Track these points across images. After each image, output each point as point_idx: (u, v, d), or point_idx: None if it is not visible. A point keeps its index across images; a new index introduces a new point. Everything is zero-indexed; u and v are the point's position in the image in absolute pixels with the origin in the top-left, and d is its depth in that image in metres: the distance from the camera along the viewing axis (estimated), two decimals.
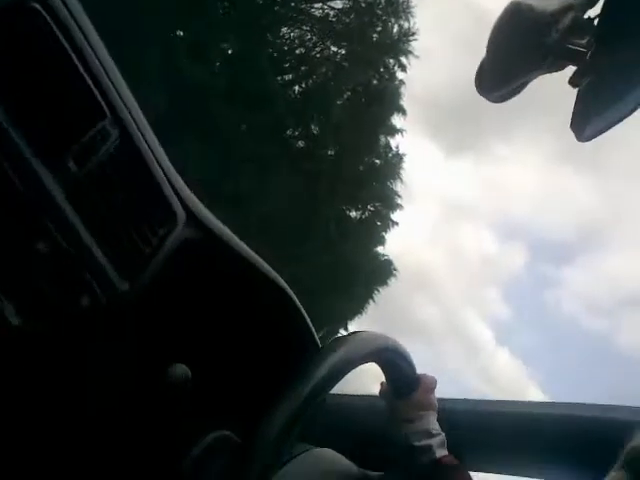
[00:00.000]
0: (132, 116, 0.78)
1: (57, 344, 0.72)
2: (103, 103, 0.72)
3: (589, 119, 0.64)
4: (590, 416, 1.02)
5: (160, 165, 0.82)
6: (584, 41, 0.57)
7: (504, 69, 0.58)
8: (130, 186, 0.77)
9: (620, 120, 0.65)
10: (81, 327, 0.72)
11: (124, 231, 0.76)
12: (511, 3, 0.56)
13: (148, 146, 0.80)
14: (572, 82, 0.59)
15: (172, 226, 0.83)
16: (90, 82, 0.70)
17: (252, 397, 0.95)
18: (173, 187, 0.84)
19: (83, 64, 0.69)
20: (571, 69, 0.58)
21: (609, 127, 0.65)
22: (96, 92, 0.71)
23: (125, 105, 0.76)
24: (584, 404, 1.06)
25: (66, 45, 0.67)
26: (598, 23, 0.57)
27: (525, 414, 1.11)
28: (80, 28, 0.69)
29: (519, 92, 0.60)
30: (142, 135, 0.79)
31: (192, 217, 0.87)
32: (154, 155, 0.81)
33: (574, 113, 0.64)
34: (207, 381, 0.88)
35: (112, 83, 0.74)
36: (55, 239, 0.67)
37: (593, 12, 0.57)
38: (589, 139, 0.66)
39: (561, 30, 0.54)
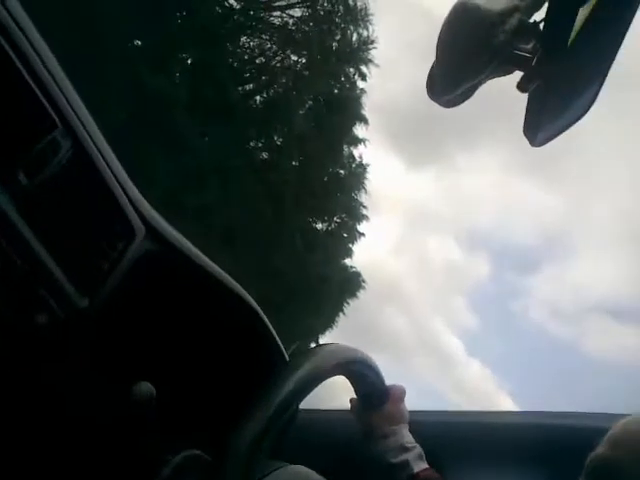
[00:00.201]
0: (85, 127, 0.76)
1: (13, 363, 0.69)
2: (53, 113, 0.70)
3: (540, 124, 0.64)
4: (561, 424, 1.04)
5: (116, 177, 0.81)
6: (530, 46, 0.57)
7: (453, 71, 0.58)
8: (85, 198, 0.75)
9: (570, 125, 0.66)
10: (39, 345, 0.70)
11: (80, 245, 0.74)
12: (457, 2, 0.56)
13: (102, 157, 0.78)
14: (520, 87, 0.59)
15: (130, 239, 0.82)
16: (38, 91, 0.68)
17: (221, 414, 0.93)
18: (130, 199, 0.83)
19: (30, 73, 0.67)
20: (520, 73, 0.59)
21: (561, 132, 0.66)
22: (45, 102, 0.69)
23: (77, 115, 0.74)
24: (555, 412, 1.07)
25: (11, 53, 0.65)
26: (543, 28, 0.57)
27: (498, 424, 1.12)
28: (25, 34, 0.67)
29: (469, 97, 0.60)
30: (96, 146, 0.77)
31: (151, 230, 0.86)
32: (109, 167, 0.80)
33: (526, 118, 0.65)
34: (174, 399, 0.86)
35: (62, 93, 0.72)
36: (7, 255, 0.65)
37: (539, 16, 0.58)
38: (542, 144, 0.67)
39: (507, 32, 0.54)
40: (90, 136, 0.77)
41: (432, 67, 0.60)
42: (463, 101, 0.61)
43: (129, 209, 0.82)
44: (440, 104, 0.61)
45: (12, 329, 0.66)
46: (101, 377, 0.83)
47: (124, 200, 0.81)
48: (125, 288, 0.80)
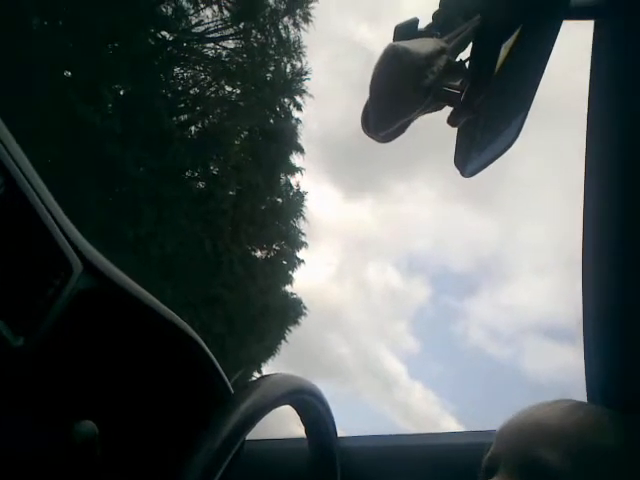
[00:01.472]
0: (17, 164, 0.74)
1: None
2: None
3: (469, 156, 0.67)
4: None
5: (51, 213, 0.79)
6: (458, 83, 0.60)
7: (386, 110, 0.60)
8: (18, 235, 0.73)
9: (497, 156, 0.69)
10: None
11: (14, 283, 0.72)
12: (388, 46, 0.59)
13: (36, 194, 0.77)
14: (450, 122, 0.62)
15: (67, 276, 0.80)
16: None
17: (166, 449, 0.92)
18: (66, 235, 0.81)
19: None
20: (450, 108, 0.62)
21: (489, 163, 0.69)
22: None
23: (8, 153, 0.73)
24: (483, 431, 1.09)
25: None
26: (469, 66, 0.61)
27: (444, 446, 1.13)
28: None
29: (403, 131, 0.63)
30: (29, 183, 0.76)
31: (88, 266, 0.84)
32: (43, 203, 0.78)
33: (456, 150, 0.68)
34: (118, 435, 0.85)
35: None
36: None
37: (464, 55, 0.61)
38: (472, 174, 0.70)
39: (436, 72, 0.57)
40: (22, 172, 0.75)
41: (366, 105, 0.62)
42: (397, 136, 0.63)
43: (65, 245, 0.81)
44: (375, 139, 0.63)
45: None
46: (41, 418, 0.80)
47: (59, 236, 0.80)
48: (63, 325, 0.78)
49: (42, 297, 0.75)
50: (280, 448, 1.23)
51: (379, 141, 0.62)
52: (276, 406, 0.81)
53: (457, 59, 0.61)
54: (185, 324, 0.99)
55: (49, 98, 8.64)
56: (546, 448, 0.68)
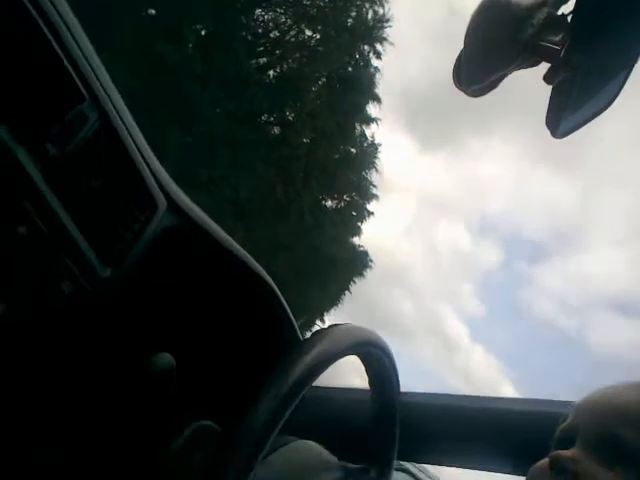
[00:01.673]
0: (111, 100, 0.76)
1: (39, 330, 0.71)
2: (81, 86, 0.71)
3: (563, 116, 0.64)
4: (552, 411, 1.04)
5: (139, 150, 0.82)
6: (558, 38, 0.57)
7: (481, 62, 0.58)
8: (109, 170, 0.76)
9: (594, 117, 0.66)
10: (64, 313, 0.71)
11: (105, 216, 0.75)
12: None
13: (127, 130, 0.79)
14: (546, 79, 0.59)
15: (152, 212, 0.82)
16: (67, 64, 0.69)
17: (233, 387, 0.95)
18: (152, 172, 0.83)
19: (60, 45, 0.68)
20: (546, 65, 0.59)
21: (583, 124, 0.66)
22: (74, 75, 0.70)
23: (104, 88, 0.75)
24: (544, 400, 1.08)
25: (43, 26, 0.65)
26: (571, 20, 0.58)
27: (497, 410, 1.13)
28: (56, 8, 0.67)
29: (495, 86, 0.61)
30: (121, 119, 0.78)
31: (172, 204, 0.87)
32: (133, 140, 0.80)
33: (549, 109, 0.65)
34: (189, 371, 0.87)
35: (90, 66, 0.72)
36: (34, 222, 0.66)
37: (567, 9, 0.58)
38: (564, 135, 0.67)
39: (536, 26, 0.54)
40: (116, 109, 0.78)
41: (459, 57, 0.60)
42: (489, 91, 0.61)
43: (151, 182, 0.83)
44: (466, 93, 0.61)
45: (39, 296, 0.68)
46: (122, 346, 0.84)
47: (147, 173, 0.82)
48: (146, 260, 0.81)
49: (129, 231, 0.78)
50: (340, 397, 1.25)
51: (469, 95, 0.61)
52: (344, 355, 0.82)
53: (559, 12, 0.58)
54: (260, 268, 1.01)
55: (131, 35, 8.77)
56: (625, 426, 0.69)
